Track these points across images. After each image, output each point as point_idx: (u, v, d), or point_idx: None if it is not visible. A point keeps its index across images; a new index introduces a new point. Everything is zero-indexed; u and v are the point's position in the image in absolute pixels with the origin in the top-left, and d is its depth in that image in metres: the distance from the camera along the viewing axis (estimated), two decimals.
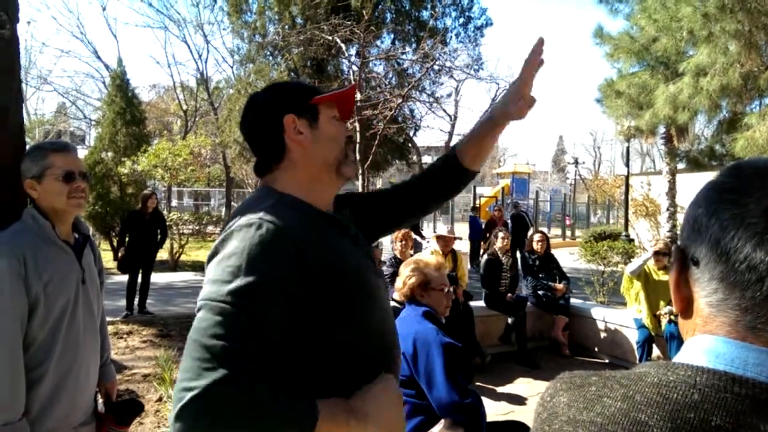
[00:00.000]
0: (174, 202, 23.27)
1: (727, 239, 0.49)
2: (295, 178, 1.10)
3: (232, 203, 22.07)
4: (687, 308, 0.54)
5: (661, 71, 8.59)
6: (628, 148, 12.69)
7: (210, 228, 13.42)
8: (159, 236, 7.09)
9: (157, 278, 8.91)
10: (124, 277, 7.01)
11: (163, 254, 9.77)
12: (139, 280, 6.84)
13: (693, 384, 0.46)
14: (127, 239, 6.87)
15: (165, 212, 10.59)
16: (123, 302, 6.76)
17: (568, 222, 22.68)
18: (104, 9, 34.51)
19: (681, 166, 10.75)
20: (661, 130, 9.94)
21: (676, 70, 8.05)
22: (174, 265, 11.21)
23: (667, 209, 10.43)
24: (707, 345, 0.50)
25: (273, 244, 0.94)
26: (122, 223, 7.35)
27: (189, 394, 0.81)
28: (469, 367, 4.56)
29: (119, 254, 7.00)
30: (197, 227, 12.17)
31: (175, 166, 12.13)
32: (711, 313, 0.51)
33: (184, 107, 22.12)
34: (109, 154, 12.90)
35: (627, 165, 12.82)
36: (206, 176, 27.04)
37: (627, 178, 12.76)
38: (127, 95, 13.80)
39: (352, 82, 11.10)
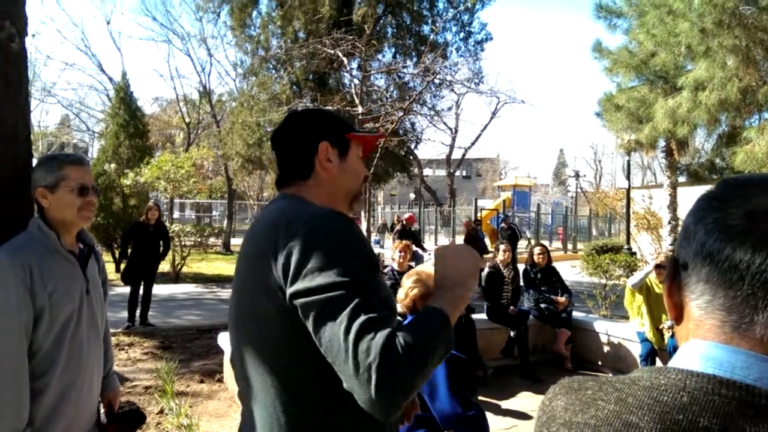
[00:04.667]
0: (176, 214, 23.32)
1: (710, 241, 0.52)
2: (319, 196, 1.16)
3: (234, 215, 22.09)
4: (680, 314, 0.56)
5: (660, 85, 8.65)
6: (628, 162, 12.72)
7: (212, 240, 13.44)
8: (162, 248, 7.09)
9: (159, 290, 8.91)
10: (126, 289, 7.02)
11: (164, 266, 9.77)
12: (141, 291, 6.84)
13: (683, 387, 0.48)
14: (129, 250, 6.87)
15: (167, 224, 10.60)
16: (124, 314, 6.76)
17: (560, 233, 22.67)
18: (108, 23, 34.73)
19: (682, 179, 10.76)
20: (661, 143, 9.97)
21: (674, 85, 8.12)
22: (176, 277, 11.21)
23: (669, 222, 10.42)
24: (698, 349, 0.52)
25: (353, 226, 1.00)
26: (124, 234, 7.36)
27: (373, 366, 0.80)
28: (472, 379, 4.54)
29: (121, 265, 7.01)
30: (199, 239, 12.18)
31: (178, 178, 12.20)
32: (701, 316, 0.53)
33: (187, 120, 22.24)
34: (112, 165, 12.99)
35: (628, 178, 12.84)
36: (208, 188, 27.14)
37: (628, 191, 12.76)
38: (131, 108, 13.93)
39: (354, 96, 11.19)
